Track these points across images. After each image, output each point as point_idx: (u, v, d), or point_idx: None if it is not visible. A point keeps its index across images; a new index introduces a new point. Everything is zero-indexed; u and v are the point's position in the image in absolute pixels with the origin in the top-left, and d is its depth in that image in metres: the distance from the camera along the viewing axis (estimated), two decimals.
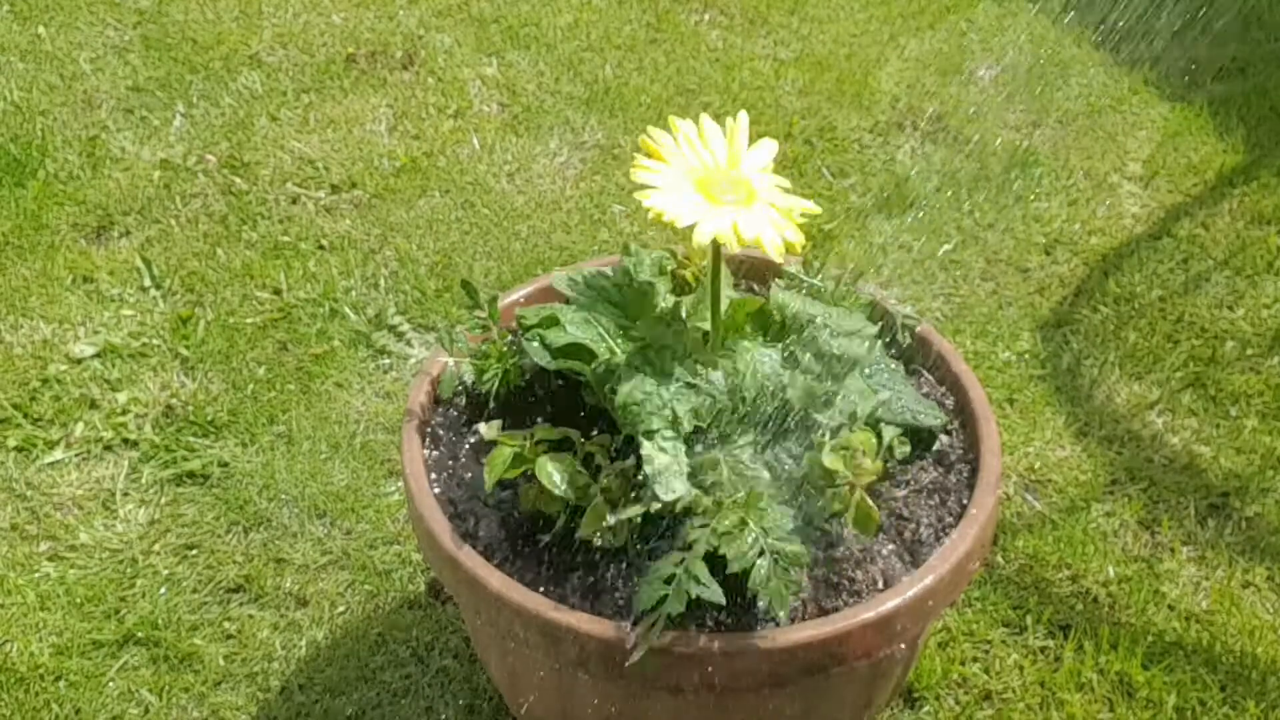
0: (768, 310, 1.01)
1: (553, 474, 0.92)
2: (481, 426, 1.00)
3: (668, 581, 0.86)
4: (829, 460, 0.92)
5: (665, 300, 1.01)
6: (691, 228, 0.84)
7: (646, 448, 0.90)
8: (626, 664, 0.87)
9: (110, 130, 1.95)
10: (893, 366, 1.05)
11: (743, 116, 0.91)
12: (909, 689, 1.23)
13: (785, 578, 0.86)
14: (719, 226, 0.84)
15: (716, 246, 0.92)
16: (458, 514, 0.99)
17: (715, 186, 0.87)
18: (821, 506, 0.92)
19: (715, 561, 0.87)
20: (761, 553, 0.86)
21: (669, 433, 0.90)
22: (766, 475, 0.93)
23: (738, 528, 0.87)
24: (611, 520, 0.90)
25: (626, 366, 0.93)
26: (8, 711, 1.21)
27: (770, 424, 0.95)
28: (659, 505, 0.89)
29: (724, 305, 0.98)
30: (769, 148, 0.92)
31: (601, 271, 1.02)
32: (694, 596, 0.85)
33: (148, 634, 1.27)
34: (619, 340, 0.99)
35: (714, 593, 0.86)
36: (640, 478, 0.92)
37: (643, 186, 0.86)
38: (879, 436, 0.99)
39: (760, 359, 0.96)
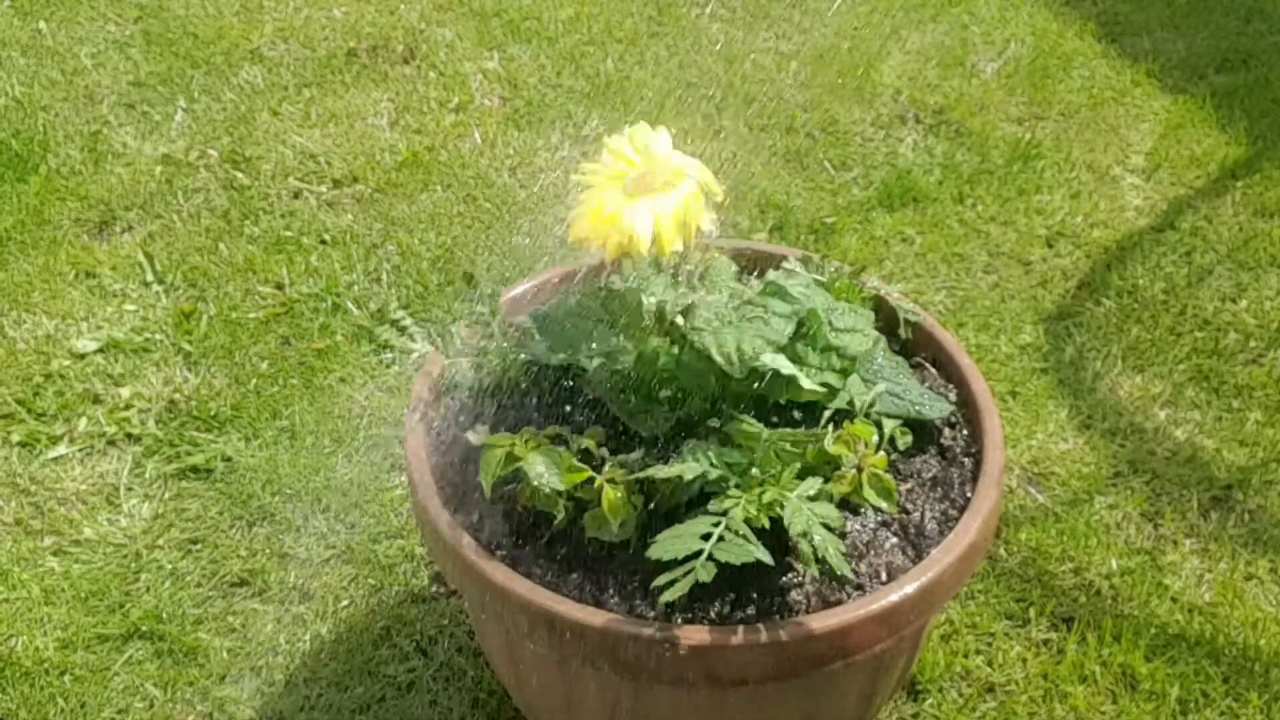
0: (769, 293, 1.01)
1: (540, 469, 0.92)
2: (470, 435, 1.00)
3: (704, 538, 0.86)
4: (832, 446, 0.92)
5: (657, 298, 1.01)
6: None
7: (770, 363, 0.92)
8: (662, 601, 0.87)
9: (112, 125, 1.95)
10: (896, 360, 1.05)
11: (642, 125, 0.92)
12: (912, 681, 1.24)
13: (837, 543, 0.87)
14: (592, 230, 0.88)
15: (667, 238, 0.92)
16: (461, 508, 0.99)
17: (637, 185, 0.89)
18: (827, 493, 0.92)
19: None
20: (810, 521, 0.87)
21: (770, 353, 0.92)
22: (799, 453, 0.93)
23: (779, 500, 0.88)
24: (666, 472, 0.89)
25: (693, 334, 0.93)
26: (13, 705, 1.22)
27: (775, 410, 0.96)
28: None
29: (725, 295, 0.99)
30: (662, 135, 0.92)
31: (584, 295, 1.02)
32: (751, 558, 0.85)
33: (152, 628, 1.27)
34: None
35: (763, 553, 0.86)
36: (645, 469, 0.92)
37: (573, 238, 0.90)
38: (879, 428, 1.00)
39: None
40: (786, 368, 0.92)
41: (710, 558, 0.85)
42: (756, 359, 0.91)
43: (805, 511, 0.88)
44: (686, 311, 0.94)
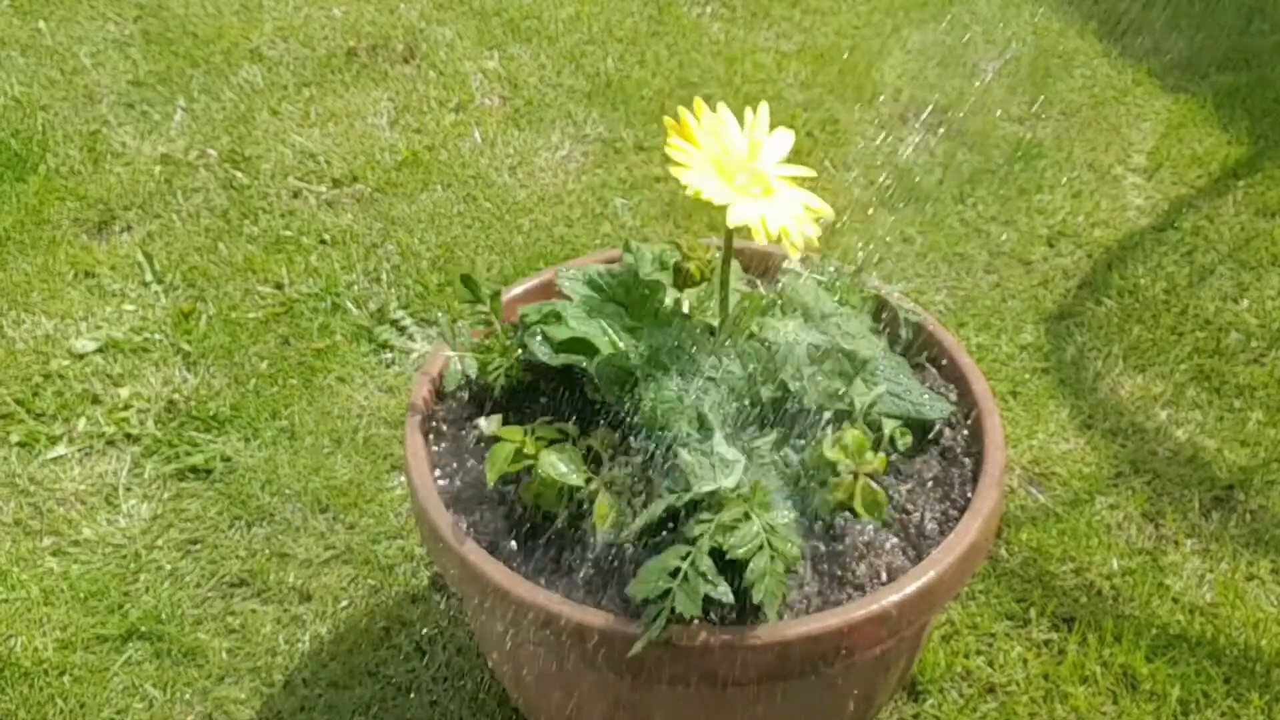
0: (776, 303, 1.00)
1: (557, 464, 0.92)
2: (481, 421, 1.00)
3: (672, 574, 0.86)
4: (830, 452, 0.92)
5: (669, 299, 1.01)
6: (724, 209, 0.85)
7: (681, 456, 0.90)
8: (629, 656, 0.86)
9: (111, 125, 1.94)
10: (896, 360, 1.05)
11: (763, 108, 0.91)
12: (913, 682, 1.23)
13: (779, 575, 0.87)
14: (748, 215, 0.85)
15: (729, 237, 0.92)
16: (461, 508, 0.98)
17: (735, 175, 0.88)
18: (825, 498, 0.92)
19: (720, 556, 0.87)
20: (761, 546, 0.87)
21: (696, 434, 0.91)
22: (775, 469, 0.93)
23: (741, 520, 0.87)
24: (635, 525, 0.90)
25: (644, 375, 0.93)
26: (12, 706, 1.22)
27: (779, 416, 0.95)
28: (688, 497, 0.90)
29: (733, 299, 0.98)
30: (785, 139, 0.92)
31: (607, 270, 1.02)
32: (704, 596, 0.85)
33: (151, 628, 1.27)
34: (623, 335, 0.99)
35: (723, 592, 0.86)
36: (648, 473, 0.92)
37: (676, 164, 0.86)
38: (879, 429, 0.99)
39: (794, 334, 0.96)
40: (689, 463, 0.90)
41: (674, 603, 0.86)
42: (674, 440, 0.90)
43: (765, 552, 0.87)
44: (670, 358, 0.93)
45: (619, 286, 1.00)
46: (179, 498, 1.40)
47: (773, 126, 0.94)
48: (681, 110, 0.89)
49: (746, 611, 0.91)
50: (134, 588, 1.31)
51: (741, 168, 0.89)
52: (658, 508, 0.89)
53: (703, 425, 0.91)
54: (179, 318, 1.62)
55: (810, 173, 0.91)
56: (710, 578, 0.85)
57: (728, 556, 0.86)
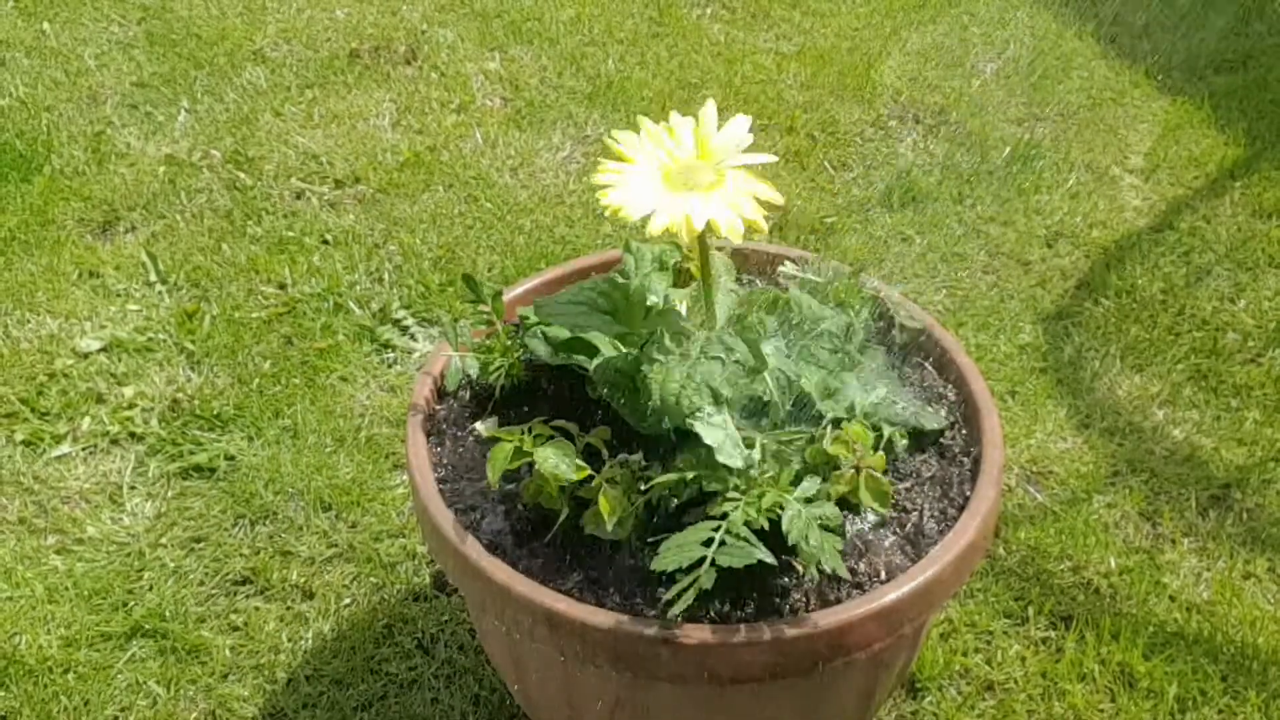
0: (784, 303, 1.01)
1: (552, 460, 0.93)
2: (479, 425, 1.00)
3: (705, 544, 0.87)
4: (831, 447, 0.93)
5: (657, 297, 1.02)
6: (647, 220, 0.85)
7: (700, 430, 0.90)
8: (666, 603, 0.87)
9: (115, 126, 1.95)
10: (891, 377, 1.05)
11: (709, 105, 0.91)
12: (911, 680, 1.24)
13: (835, 542, 0.87)
14: (671, 217, 0.84)
15: (702, 236, 0.93)
16: (462, 507, 0.99)
17: (681, 176, 0.88)
18: (825, 493, 0.93)
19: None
20: (799, 512, 0.88)
21: (711, 408, 0.91)
22: (797, 453, 0.94)
23: (778, 503, 0.88)
24: (659, 479, 0.90)
25: (648, 361, 0.93)
26: (17, 703, 1.22)
27: (780, 410, 0.96)
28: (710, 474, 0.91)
29: (731, 299, 0.99)
30: (738, 125, 0.91)
31: (585, 285, 1.02)
32: (753, 560, 0.86)
33: (155, 626, 1.28)
34: (616, 341, 1.00)
35: (765, 554, 0.87)
36: (647, 471, 0.93)
37: (600, 187, 0.87)
38: (878, 431, 1.00)
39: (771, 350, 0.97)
40: (711, 437, 0.91)
41: (713, 564, 0.86)
42: (690, 414, 0.91)
43: (804, 515, 0.88)
44: (651, 341, 0.93)
45: (600, 296, 1.01)
46: (183, 496, 1.41)
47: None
48: (615, 134, 0.90)
49: (751, 609, 0.92)
50: (138, 585, 1.32)
51: (691, 167, 0.89)
52: (688, 474, 0.89)
53: (716, 400, 0.91)
54: (183, 317, 1.63)
55: (770, 158, 0.89)
56: (752, 542, 0.86)
57: (790, 540, 0.87)
